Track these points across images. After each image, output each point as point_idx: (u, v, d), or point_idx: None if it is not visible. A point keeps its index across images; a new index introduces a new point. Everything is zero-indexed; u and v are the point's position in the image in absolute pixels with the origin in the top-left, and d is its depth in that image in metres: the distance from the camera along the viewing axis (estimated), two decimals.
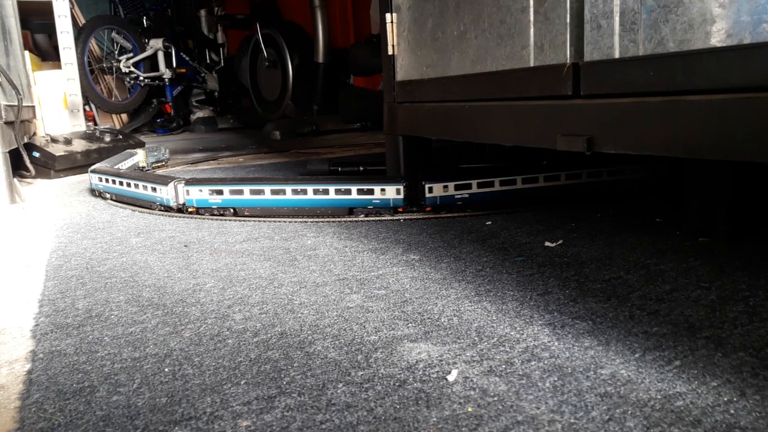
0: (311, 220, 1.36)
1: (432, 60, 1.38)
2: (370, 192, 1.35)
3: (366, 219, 1.35)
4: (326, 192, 1.36)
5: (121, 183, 1.69)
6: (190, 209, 1.46)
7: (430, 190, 1.33)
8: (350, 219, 1.35)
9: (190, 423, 0.55)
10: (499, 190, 1.35)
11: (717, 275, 0.86)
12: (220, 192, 1.42)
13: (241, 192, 1.41)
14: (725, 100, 0.69)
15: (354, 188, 1.35)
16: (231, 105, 5.28)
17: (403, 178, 1.34)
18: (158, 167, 2.63)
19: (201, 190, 1.44)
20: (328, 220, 1.35)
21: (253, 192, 1.40)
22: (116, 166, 2.07)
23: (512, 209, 1.35)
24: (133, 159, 2.40)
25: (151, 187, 1.54)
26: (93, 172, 1.86)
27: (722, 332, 0.68)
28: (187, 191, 1.46)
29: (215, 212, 1.44)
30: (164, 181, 1.51)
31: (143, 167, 2.46)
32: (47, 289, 0.95)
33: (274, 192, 1.38)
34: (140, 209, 1.57)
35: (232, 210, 1.42)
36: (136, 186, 1.61)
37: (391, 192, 1.34)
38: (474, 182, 1.35)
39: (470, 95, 1.24)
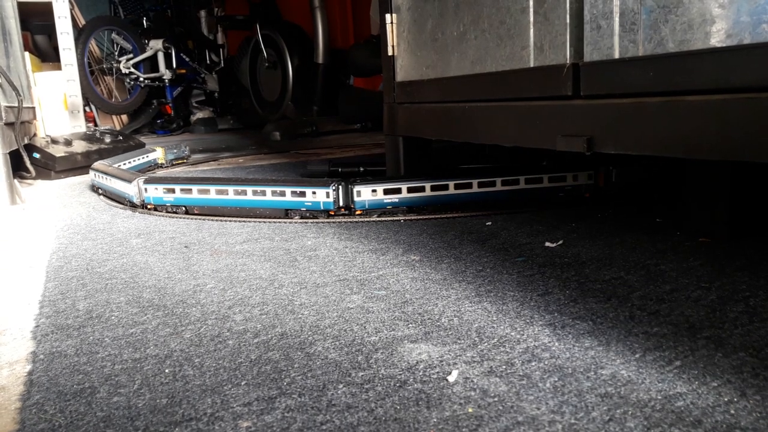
0: (311, 221, 1.36)
1: (432, 61, 1.38)
2: (303, 195, 1.37)
3: (312, 221, 1.35)
4: (264, 193, 1.39)
5: (104, 178, 1.77)
6: (148, 206, 1.53)
7: (359, 194, 1.35)
8: (325, 220, 1.35)
9: (190, 424, 0.55)
10: (430, 195, 1.35)
11: (717, 275, 0.86)
12: (172, 191, 1.48)
13: (190, 191, 1.46)
14: (725, 100, 0.69)
15: (288, 191, 1.38)
16: (231, 106, 5.28)
17: (333, 182, 1.36)
18: (179, 164, 2.68)
19: (156, 188, 1.50)
20: (328, 220, 1.36)
21: (200, 191, 1.45)
22: (122, 164, 2.15)
23: (444, 215, 1.35)
24: (150, 156, 2.47)
25: (122, 184, 1.62)
26: (91, 169, 1.95)
27: (722, 332, 0.68)
28: (146, 189, 1.52)
29: (169, 209, 1.50)
30: (130, 178, 1.57)
31: (162, 164, 2.54)
32: (48, 290, 0.95)
33: (218, 192, 1.43)
34: (122, 205, 1.57)
35: (183, 208, 1.48)
36: (113, 181, 1.68)
37: (322, 195, 1.36)
38: (404, 187, 1.35)
39: (470, 96, 1.24)
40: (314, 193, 1.36)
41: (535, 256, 1.01)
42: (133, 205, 1.58)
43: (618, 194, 1.38)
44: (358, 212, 1.37)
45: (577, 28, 0.92)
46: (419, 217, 1.34)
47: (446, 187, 1.35)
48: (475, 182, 1.35)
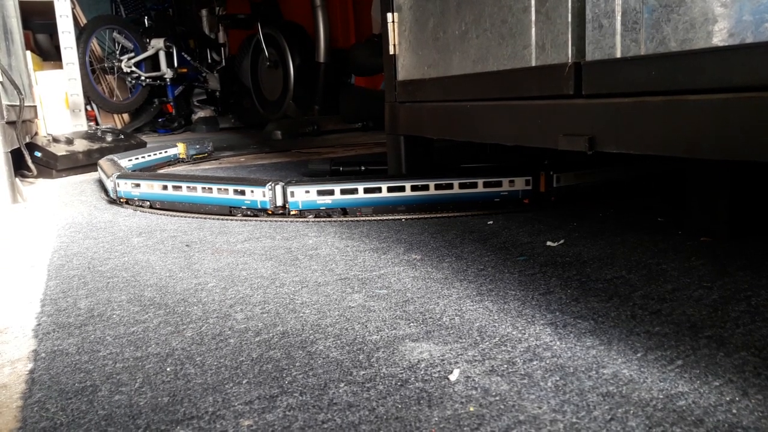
0: (313, 220, 1.36)
1: (433, 60, 1.38)
2: (243, 193, 1.40)
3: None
4: (211, 191, 1.44)
5: (101, 171, 1.87)
6: (121, 200, 1.63)
7: (293, 194, 1.36)
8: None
9: (192, 422, 0.55)
10: (363, 197, 1.35)
11: (719, 275, 0.86)
12: (138, 186, 1.56)
13: (152, 187, 1.54)
14: (727, 99, 0.69)
15: (231, 189, 1.41)
16: (232, 105, 5.28)
17: (270, 182, 1.37)
18: (200, 158, 2.74)
19: (126, 183, 1.60)
20: (328, 220, 1.36)
21: (160, 187, 1.52)
22: (139, 158, 2.29)
23: (380, 217, 1.35)
24: (170, 151, 2.56)
25: (104, 178, 1.73)
26: (98, 164, 2.07)
27: (724, 332, 0.68)
28: (118, 184, 1.61)
29: (137, 203, 1.58)
30: (109, 173, 1.68)
31: (183, 159, 2.63)
32: (49, 289, 0.95)
33: (174, 188, 1.50)
34: (137, 208, 1.58)
35: (148, 202, 1.56)
36: (102, 176, 1.78)
37: (259, 194, 1.38)
38: (337, 188, 1.35)
39: (472, 95, 1.24)
40: (252, 192, 1.39)
41: (536, 256, 1.00)
42: (111, 200, 1.68)
43: (561, 199, 1.36)
44: (293, 212, 1.38)
45: (579, 27, 0.92)
46: (419, 216, 1.34)
47: (379, 190, 1.35)
48: (408, 185, 1.34)
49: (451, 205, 1.35)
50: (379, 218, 1.34)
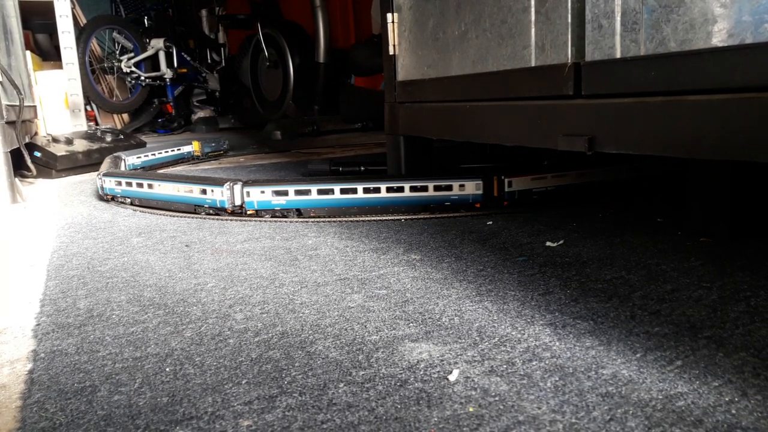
0: (312, 220, 1.36)
1: (433, 60, 1.38)
2: (204, 192, 1.44)
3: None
4: (178, 190, 1.50)
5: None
6: (107, 196, 1.72)
7: (248, 194, 1.38)
8: (324, 219, 1.36)
9: (191, 423, 0.55)
10: (316, 198, 1.36)
11: (718, 275, 0.86)
12: (120, 183, 1.66)
13: (131, 185, 1.62)
14: (727, 100, 0.69)
15: (195, 188, 1.46)
16: (232, 105, 5.28)
17: (229, 182, 1.39)
18: (214, 156, 2.81)
19: (110, 181, 1.69)
20: (328, 220, 1.36)
21: (137, 185, 1.60)
22: (151, 155, 2.41)
23: (330, 218, 1.36)
24: (184, 148, 2.64)
25: (96, 176, 1.83)
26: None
27: (724, 332, 0.68)
28: (104, 181, 1.71)
29: (119, 200, 1.67)
30: (99, 172, 1.80)
31: (198, 156, 2.71)
32: (48, 289, 0.95)
33: (148, 186, 1.57)
34: (142, 209, 1.58)
35: (128, 199, 1.64)
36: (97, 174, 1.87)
37: (218, 194, 1.41)
38: (291, 189, 1.36)
39: (471, 95, 1.24)
40: (213, 191, 1.42)
41: (536, 256, 1.01)
42: (99, 196, 1.78)
43: (514, 203, 1.35)
44: (250, 212, 1.40)
45: (579, 28, 0.92)
46: (418, 216, 1.34)
47: (332, 192, 1.36)
48: (360, 188, 1.34)
49: (403, 208, 1.35)
50: (379, 218, 1.34)
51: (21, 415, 0.57)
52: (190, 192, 1.47)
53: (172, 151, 2.58)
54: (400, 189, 1.34)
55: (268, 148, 3.25)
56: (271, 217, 1.39)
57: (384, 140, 1.71)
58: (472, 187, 1.33)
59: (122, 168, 2.15)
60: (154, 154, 2.44)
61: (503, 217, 1.30)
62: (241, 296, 0.87)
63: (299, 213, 1.38)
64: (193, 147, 2.71)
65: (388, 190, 1.34)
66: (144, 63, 4.82)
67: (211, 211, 1.44)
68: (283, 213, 1.39)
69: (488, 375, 0.61)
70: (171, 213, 1.49)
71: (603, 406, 0.54)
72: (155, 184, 1.55)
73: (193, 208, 1.48)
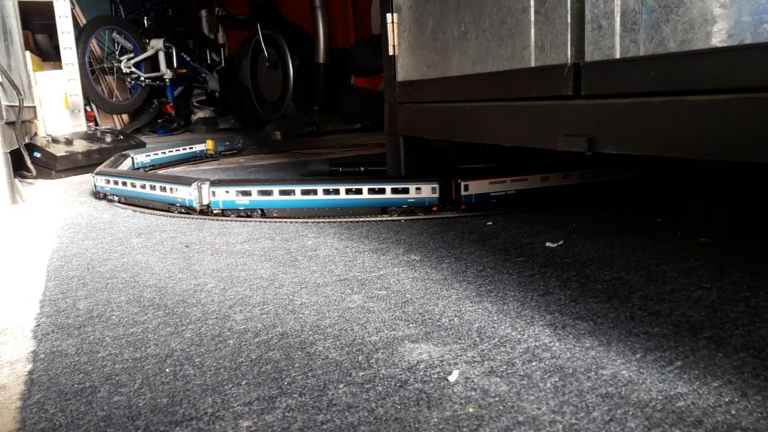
0: (312, 220, 1.36)
1: (433, 60, 1.38)
2: (175, 191, 1.49)
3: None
4: (154, 188, 1.55)
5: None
6: (100, 194, 1.81)
7: (214, 194, 1.42)
8: (347, 219, 1.36)
9: (191, 423, 0.55)
10: (278, 199, 1.39)
11: (718, 276, 0.86)
12: (109, 182, 1.74)
13: (117, 183, 1.71)
14: (726, 100, 0.69)
15: (168, 187, 1.51)
16: (232, 105, 5.28)
17: (197, 182, 1.44)
18: (228, 155, 2.87)
19: (100, 179, 1.78)
20: (329, 220, 1.36)
21: (122, 183, 1.68)
22: (165, 152, 2.52)
23: (293, 218, 1.37)
24: (197, 147, 2.72)
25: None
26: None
27: (723, 333, 0.68)
28: (97, 180, 1.81)
29: (109, 197, 1.75)
30: (93, 171, 1.87)
31: (211, 155, 2.78)
32: (48, 290, 0.95)
33: (131, 185, 1.64)
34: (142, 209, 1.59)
35: (116, 197, 1.72)
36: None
37: (187, 193, 1.45)
38: (254, 190, 1.40)
39: (471, 96, 1.24)
40: (182, 190, 1.47)
41: (535, 256, 1.01)
42: (94, 192, 1.86)
43: (471, 207, 1.35)
44: (216, 211, 1.43)
45: (578, 28, 0.92)
46: (418, 217, 1.34)
47: (293, 192, 1.37)
48: (320, 189, 1.36)
49: (362, 210, 1.36)
50: (379, 219, 1.34)
51: (21, 416, 0.57)
52: (165, 191, 1.51)
53: (184, 149, 2.63)
54: (359, 191, 1.35)
55: (267, 148, 3.25)
56: (237, 216, 1.41)
57: (384, 140, 1.71)
58: (428, 191, 1.33)
59: (130, 166, 2.24)
60: (164, 152, 2.50)
61: (503, 217, 1.30)
62: (241, 297, 0.87)
63: (263, 213, 1.40)
64: (207, 145, 2.76)
65: (347, 192, 1.35)
66: (144, 63, 4.82)
67: (182, 210, 1.48)
68: (247, 213, 1.41)
69: (488, 375, 0.61)
70: (171, 213, 1.49)
71: (603, 407, 0.54)
72: (137, 183, 1.60)
73: (167, 207, 1.52)
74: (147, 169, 2.43)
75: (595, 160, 1.39)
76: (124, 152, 2.30)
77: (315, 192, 1.36)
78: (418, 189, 1.33)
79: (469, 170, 1.42)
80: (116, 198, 1.71)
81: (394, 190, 1.34)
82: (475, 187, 1.34)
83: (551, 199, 1.39)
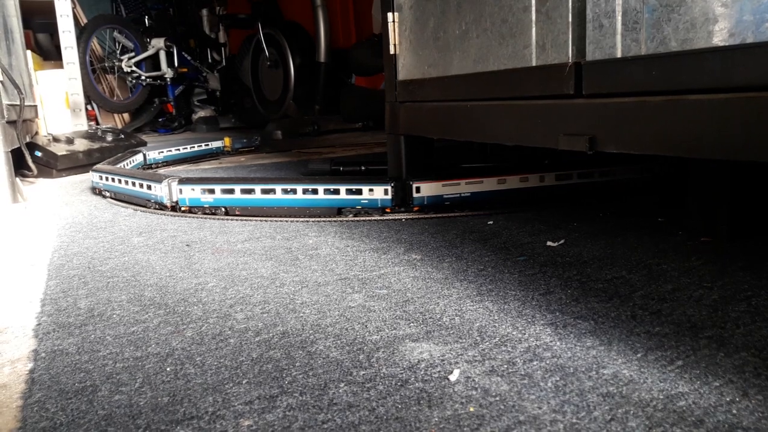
0: (312, 219, 1.36)
1: (434, 59, 1.38)
2: (150, 188, 1.55)
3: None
4: (134, 184, 1.63)
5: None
6: (96, 189, 1.88)
7: (181, 191, 1.47)
8: (345, 219, 1.36)
9: (192, 422, 0.55)
10: (240, 198, 1.42)
11: (719, 275, 0.86)
12: (101, 177, 1.81)
13: (107, 179, 1.77)
14: (728, 99, 0.69)
15: (145, 183, 1.58)
16: (232, 104, 5.27)
17: (166, 179, 1.49)
18: (244, 152, 2.92)
19: (96, 175, 1.86)
20: (329, 220, 1.36)
21: (111, 179, 1.75)
22: (182, 149, 2.63)
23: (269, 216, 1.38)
24: (213, 144, 2.81)
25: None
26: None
27: (724, 332, 0.68)
28: (93, 175, 1.88)
29: (101, 191, 1.83)
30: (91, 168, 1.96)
31: (228, 151, 2.87)
32: (49, 289, 0.95)
33: (117, 181, 1.73)
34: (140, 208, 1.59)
35: (107, 192, 1.79)
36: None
37: (158, 190, 1.51)
38: (218, 188, 1.43)
39: (472, 95, 1.24)
40: (152, 187, 1.53)
41: (536, 256, 1.00)
42: (92, 188, 1.95)
43: (425, 209, 1.35)
44: (184, 209, 1.48)
45: (580, 27, 0.92)
46: (418, 216, 1.34)
47: (253, 191, 1.41)
48: (279, 188, 1.39)
49: (319, 210, 1.38)
50: (379, 218, 1.34)
51: (22, 415, 0.57)
52: (143, 188, 1.57)
53: (199, 146, 2.71)
54: (315, 191, 1.37)
55: (268, 147, 3.25)
56: (203, 213, 1.46)
57: (384, 140, 1.71)
58: (381, 192, 1.34)
59: (140, 162, 2.34)
60: (178, 149, 2.58)
61: (504, 216, 1.30)
62: (242, 296, 0.87)
63: (226, 211, 1.43)
64: (224, 143, 2.84)
65: (304, 191, 1.37)
66: (145, 62, 4.82)
67: (156, 206, 1.53)
68: (212, 210, 1.45)
69: (489, 375, 0.61)
70: (171, 213, 1.49)
71: (604, 406, 0.54)
72: (122, 179, 1.68)
73: (145, 202, 1.58)
74: (159, 166, 2.50)
75: (596, 160, 1.39)
76: (135, 148, 2.35)
77: (274, 191, 1.39)
78: (371, 190, 1.35)
79: (422, 173, 1.42)
80: (108, 194, 1.78)
81: (349, 191, 1.36)
82: (428, 189, 1.35)
83: (510, 202, 1.38)
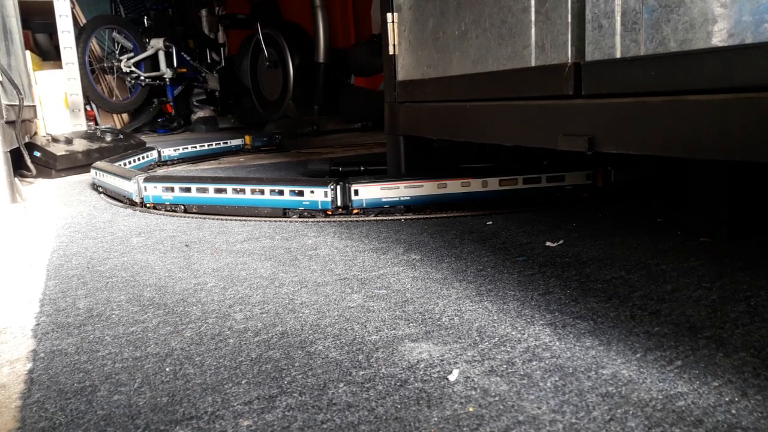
0: (312, 220, 1.36)
1: (433, 60, 1.38)
2: (123, 185, 1.65)
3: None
4: (115, 181, 1.70)
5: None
6: (94, 185, 1.95)
7: (145, 189, 1.55)
8: (346, 219, 1.36)
9: (191, 422, 0.55)
10: (196, 196, 1.47)
11: (718, 275, 0.86)
12: (96, 173, 1.90)
13: (98, 175, 1.87)
14: (726, 100, 0.69)
15: (121, 180, 1.66)
16: (232, 105, 5.27)
17: (135, 177, 1.57)
18: (266, 150, 2.97)
19: (93, 171, 1.95)
20: (329, 219, 1.36)
21: (102, 176, 1.84)
22: (201, 145, 2.74)
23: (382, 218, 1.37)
24: (232, 142, 2.89)
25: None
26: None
27: (723, 332, 0.68)
28: (92, 172, 1.96)
29: (98, 188, 1.91)
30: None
31: (248, 148, 2.93)
32: (48, 289, 0.95)
33: (103, 175, 1.82)
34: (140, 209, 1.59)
35: (101, 188, 1.87)
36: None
37: (129, 187, 1.60)
38: (176, 186, 1.49)
39: (471, 95, 1.24)
40: (125, 184, 1.63)
41: (535, 256, 1.00)
42: (94, 187, 2.02)
43: (364, 211, 1.36)
44: (149, 205, 1.55)
45: (579, 28, 0.92)
46: (418, 216, 1.34)
47: (207, 191, 1.46)
48: (230, 188, 1.43)
49: (266, 210, 1.41)
50: (379, 218, 1.34)
51: (21, 415, 0.57)
52: (121, 184, 1.66)
53: (217, 144, 2.80)
54: (262, 191, 1.40)
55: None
56: (166, 210, 1.51)
57: (384, 140, 1.71)
58: (321, 195, 1.36)
59: (155, 159, 2.47)
60: (194, 147, 2.67)
61: (503, 217, 1.30)
62: (241, 296, 0.87)
63: (185, 209, 1.49)
64: (245, 140, 2.92)
65: (252, 192, 1.41)
66: (144, 63, 4.81)
67: (126, 201, 1.62)
68: (172, 207, 1.50)
69: (488, 375, 0.61)
70: (170, 213, 1.49)
71: (603, 406, 0.54)
72: (107, 176, 1.78)
73: (123, 198, 1.66)
74: (174, 163, 2.58)
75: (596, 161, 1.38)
76: (149, 145, 2.44)
77: (225, 191, 1.43)
78: (312, 192, 1.37)
79: (359, 176, 1.44)
80: (101, 189, 1.86)
81: (292, 192, 1.38)
82: (366, 192, 1.36)
83: (450, 207, 1.37)
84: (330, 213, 1.36)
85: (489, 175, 1.38)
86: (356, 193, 1.35)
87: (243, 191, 1.41)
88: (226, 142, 2.85)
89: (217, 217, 1.43)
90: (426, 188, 1.36)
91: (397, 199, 1.36)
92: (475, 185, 1.37)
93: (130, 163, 2.29)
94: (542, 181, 1.39)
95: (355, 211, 1.36)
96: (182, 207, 1.49)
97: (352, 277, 0.94)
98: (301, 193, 1.37)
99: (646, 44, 0.80)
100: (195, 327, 0.76)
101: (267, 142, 3.00)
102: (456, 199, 1.37)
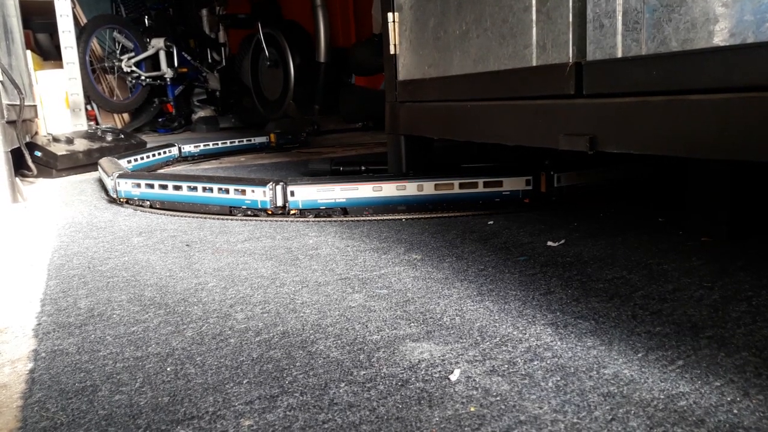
0: (313, 219, 1.36)
1: (434, 59, 1.38)
2: (107, 182, 1.71)
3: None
4: (106, 175, 1.74)
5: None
6: (99, 181, 2.06)
7: (119, 184, 1.63)
8: (345, 219, 1.36)
9: (192, 422, 0.55)
10: (158, 192, 1.54)
11: (719, 275, 0.86)
12: (98, 169, 1.94)
13: (98, 170, 1.95)
14: (728, 99, 0.69)
15: (105, 176, 1.74)
16: (232, 104, 5.28)
17: (114, 173, 1.64)
18: (289, 148, 3.03)
19: (100, 169, 1.97)
20: (329, 219, 1.36)
21: (95, 170, 1.95)
22: (225, 143, 2.86)
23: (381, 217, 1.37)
24: (256, 140, 2.98)
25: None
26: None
27: (725, 332, 0.68)
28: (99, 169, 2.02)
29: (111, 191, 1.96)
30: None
31: (273, 146, 2.99)
32: (49, 288, 0.95)
33: (100, 171, 1.87)
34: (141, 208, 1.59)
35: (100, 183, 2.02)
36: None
37: (109, 183, 1.69)
38: (156, 183, 1.54)
39: (472, 95, 1.24)
40: (107, 181, 1.71)
41: (537, 256, 1.00)
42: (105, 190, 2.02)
43: (301, 212, 1.38)
44: (122, 200, 1.63)
45: (580, 27, 0.92)
46: (418, 216, 1.34)
47: (167, 187, 1.53)
48: (185, 186, 1.49)
49: (215, 207, 1.45)
50: (379, 218, 1.34)
51: (22, 415, 0.57)
52: (106, 180, 1.73)
53: (240, 141, 2.88)
54: (210, 189, 1.45)
55: (268, 147, 3.24)
56: (136, 206, 1.58)
57: (384, 139, 1.71)
58: (260, 194, 1.39)
59: (175, 155, 2.57)
60: (216, 144, 2.77)
61: (504, 216, 1.30)
62: (242, 296, 0.87)
63: (150, 204, 1.56)
64: (270, 138, 3.00)
65: (204, 189, 1.46)
66: (144, 62, 4.82)
67: (107, 197, 1.71)
68: (140, 203, 1.58)
69: (490, 375, 0.60)
70: (171, 213, 1.49)
71: (605, 406, 0.54)
72: (100, 171, 1.87)
73: (108, 193, 1.75)
74: (194, 159, 2.65)
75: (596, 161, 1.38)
76: (169, 142, 2.54)
77: (181, 188, 1.49)
78: (252, 191, 1.39)
79: (295, 179, 1.44)
80: (101, 183, 1.97)
81: (236, 191, 1.41)
82: (302, 194, 1.37)
83: (386, 210, 1.37)
84: (270, 213, 1.39)
85: (470, 176, 1.37)
86: (292, 194, 1.37)
87: (196, 189, 1.46)
88: (250, 140, 2.90)
89: (216, 217, 1.43)
90: (361, 191, 1.37)
91: (333, 201, 1.37)
92: (411, 189, 1.37)
93: (148, 158, 2.34)
94: (479, 186, 1.37)
95: (292, 212, 1.38)
96: (148, 202, 1.56)
97: (353, 276, 0.94)
98: (243, 192, 1.40)
99: (648, 44, 0.80)
100: (196, 327, 0.76)
101: (291, 140, 3.03)
102: (391, 203, 1.38)
